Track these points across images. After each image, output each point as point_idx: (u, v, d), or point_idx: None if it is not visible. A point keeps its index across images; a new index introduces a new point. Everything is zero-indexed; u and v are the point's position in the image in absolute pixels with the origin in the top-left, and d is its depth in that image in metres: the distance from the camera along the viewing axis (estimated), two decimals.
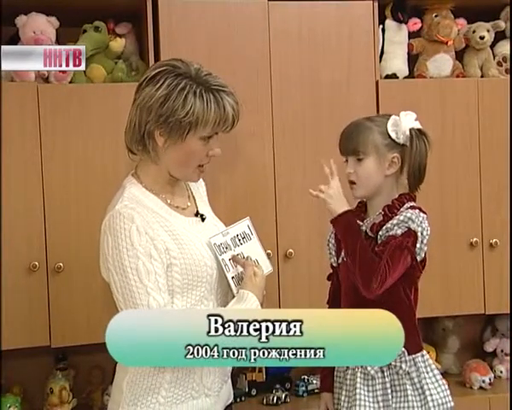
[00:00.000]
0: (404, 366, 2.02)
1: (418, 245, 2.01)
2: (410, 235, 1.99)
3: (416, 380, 2.03)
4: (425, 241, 2.02)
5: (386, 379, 2.03)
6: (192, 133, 1.82)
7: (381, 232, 2.01)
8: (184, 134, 1.82)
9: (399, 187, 2.10)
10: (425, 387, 2.02)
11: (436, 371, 2.08)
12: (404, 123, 2.05)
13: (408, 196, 2.08)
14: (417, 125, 2.07)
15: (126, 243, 1.77)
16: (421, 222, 2.00)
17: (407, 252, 1.98)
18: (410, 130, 2.05)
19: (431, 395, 2.02)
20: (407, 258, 1.99)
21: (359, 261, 1.96)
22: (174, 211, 1.91)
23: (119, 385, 1.89)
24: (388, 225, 2.00)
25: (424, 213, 2.04)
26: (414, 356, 2.04)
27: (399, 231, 1.98)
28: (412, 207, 2.04)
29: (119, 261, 1.77)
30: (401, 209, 2.04)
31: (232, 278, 1.90)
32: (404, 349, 2.00)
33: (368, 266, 1.94)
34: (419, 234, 2.00)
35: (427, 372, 2.05)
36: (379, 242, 2.01)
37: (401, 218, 2.00)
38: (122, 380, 1.88)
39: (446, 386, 2.07)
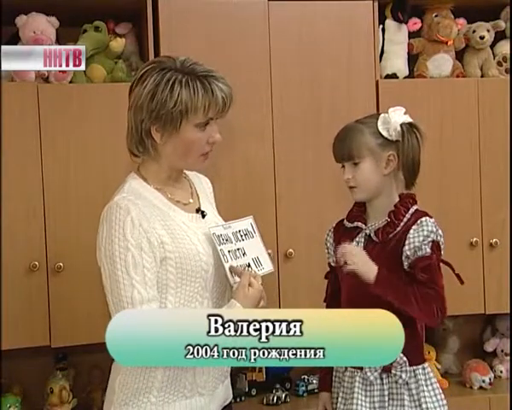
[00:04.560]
0: (404, 375, 2.01)
1: (442, 252, 2.03)
2: (435, 247, 2.00)
3: (414, 392, 2.02)
4: (443, 246, 2.04)
5: (385, 386, 2.03)
6: (185, 122, 1.83)
7: (409, 252, 1.99)
8: (178, 124, 1.83)
9: (398, 185, 2.09)
10: (422, 400, 2.01)
11: (436, 386, 2.06)
12: (393, 119, 2.03)
13: (411, 198, 2.08)
14: (407, 119, 2.05)
15: (119, 233, 1.78)
16: (437, 230, 2.02)
17: (440, 264, 2.02)
18: (401, 125, 2.03)
19: (427, 408, 2.01)
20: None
21: (417, 304, 1.95)
22: (174, 205, 1.92)
23: (112, 385, 1.91)
24: (416, 243, 1.98)
25: (431, 217, 2.04)
26: (415, 367, 2.03)
27: (428, 249, 1.99)
28: (419, 213, 2.04)
29: (111, 251, 1.78)
30: (406, 215, 2.04)
31: (230, 268, 1.89)
32: (405, 359, 2.00)
33: (429, 305, 1.95)
34: (440, 243, 2.02)
35: (427, 385, 2.04)
36: (404, 259, 2.00)
37: (425, 233, 1.99)
38: (114, 380, 1.89)
39: (445, 401, 2.06)
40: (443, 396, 2.06)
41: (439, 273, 2.00)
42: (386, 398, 2.02)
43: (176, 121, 1.82)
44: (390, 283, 1.97)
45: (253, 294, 1.85)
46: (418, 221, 2.01)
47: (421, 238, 1.99)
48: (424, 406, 2.01)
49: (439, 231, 2.02)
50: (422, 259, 1.99)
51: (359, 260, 1.98)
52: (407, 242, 2.00)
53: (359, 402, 2.02)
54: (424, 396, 2.02)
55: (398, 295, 1.96)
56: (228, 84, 1.87)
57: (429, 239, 1.99)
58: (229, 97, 1.87)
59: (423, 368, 2.06)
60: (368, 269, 1.97)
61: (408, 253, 2.00)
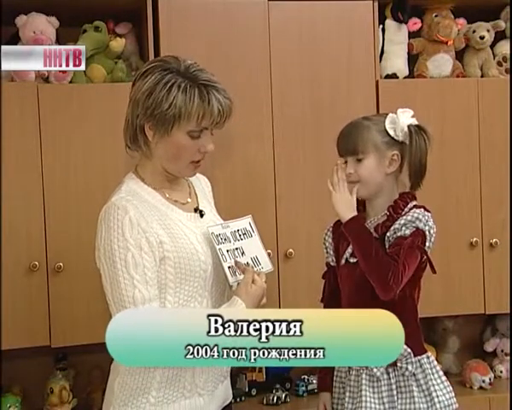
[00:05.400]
0: (410, 367, 2.01)
1: (427, 244, 2.01)
2: (419, 234, 1.99)
3: (422, 382, 2.02)
4: (432, 239, 2.03)
5: (392, 381, 2.02)
6: (177, 127, 1.83)
7: (388, 233, 2.01)
8: (169, 127, 1.83)
9: (399, 186, 2.10)
10: (431, 388, 2.02)
11: (441, 373, 2.07)
12: (401, 120, 2.04)
13: (410, 195, 2.09)
14: (414, 121, 2.07)
15: (118, 233, 1.78)
16: (427, 221, 2.01)
17: (418, 251, 1.99)
18: (409, 126, 2.04)
19: (437, 396, 2.01)
20: (418, 257, 1.99)
21: (376, 264, 1.94)
22: (172, 205, 1.92)
23: (111, 386, 1.90)
24: (396, 225, 2.00)
25: (428, 211, 2.04)
26: (419, 357, 2.04)
27: (408, 232, 1.98)
28: (416, 207, 2.04)
29: (110, 251, 1.78)
30: (405, 209, 2.04)
31: (229, 268, 1.88)
32: (410, 350, 2.00)
33: (385, 268, 1.93)
34: (427, 233, 2.00)
35: (433, 373, 2.04)
36: (386, 243, 2.01)
37: (408, 218, 1.99)
38: (113, 381, 1.89)
39: (451, 387, 2.07)
40: (448, 382, 2.07)
41: (411, 258, 1.96)
42: (395, 392, 2.02)
43: (168, 124, 1.82)
44: (358, 232, 2.00)
45: (255, 291, 1.86)
46: (411, 211, 2.02)
47: (402, 221, 2.00)
48: (434, 394, 2.01)
49: (430, 223, 2.01)
50: (398, 238, 1.98)
51: (342, 198, 2.03)
52: (392, 227, 2.01)
53: (368, 399, 2.01)
54: (433, 384, 2.02)
55: (360, 246, 1.99)
56: (229, 97, 1.86)
57: (413, 224, 1.98)
58: (227, 110, 1.85)
59: (427, 357, 2.06)
60: (344, 211, 2.02)
61: (388, 234, 2.01)
